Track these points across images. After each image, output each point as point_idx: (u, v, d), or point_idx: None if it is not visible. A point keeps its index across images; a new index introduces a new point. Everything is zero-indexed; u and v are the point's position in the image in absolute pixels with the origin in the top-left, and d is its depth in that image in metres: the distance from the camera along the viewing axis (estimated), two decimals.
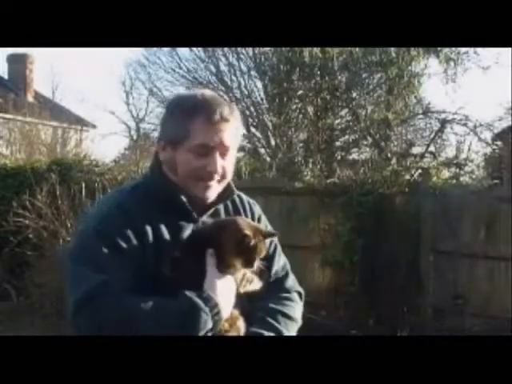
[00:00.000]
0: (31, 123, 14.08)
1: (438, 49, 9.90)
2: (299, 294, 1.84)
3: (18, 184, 8.08)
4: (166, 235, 1.63)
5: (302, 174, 8.04)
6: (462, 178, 8.39)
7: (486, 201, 6.55)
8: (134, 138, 21.50)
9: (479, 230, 6.59)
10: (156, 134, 17.27)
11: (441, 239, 6.75)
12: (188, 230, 1.66)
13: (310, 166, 8.84)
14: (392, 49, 9.72)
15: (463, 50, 10.22)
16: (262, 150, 12.29)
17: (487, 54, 10.62)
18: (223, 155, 1.64)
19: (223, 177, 1.67)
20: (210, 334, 1.53)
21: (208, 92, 1.68)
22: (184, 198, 1.65)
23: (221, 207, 1.76)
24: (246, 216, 1.80)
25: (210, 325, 1.51)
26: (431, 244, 6.76)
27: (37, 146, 12.09)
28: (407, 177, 7.62)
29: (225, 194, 1.74)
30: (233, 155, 1.68)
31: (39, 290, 7.11)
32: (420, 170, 7.91)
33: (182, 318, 1.50)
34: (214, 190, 1.67)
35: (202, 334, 1.51)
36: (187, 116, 1.61)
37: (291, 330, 1.72)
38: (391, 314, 6.53)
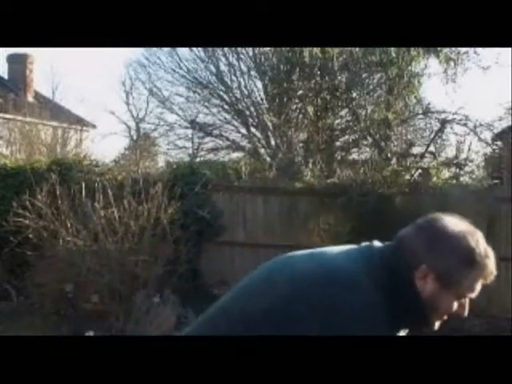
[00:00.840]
0: (31, 123, 14.09)
1: (438, 49, 9.90)
2: None
3: (18, 184, 8.08)
4: None
5: (302, 174, 8.05)
6: (462, 178, 8.40)
7: (486, 201, 6.55)
8: (134, 138, 21.51)
9: (479, 230, 6.58)
10: (156, 134, 17.30)
11: None
12: None
13: (310, 166, 8.84)
14: (392, 49, 9.71)
15: (463, 50, 10.22)
16: (262, 150, 12.29)
17: (487, 54, 10.63)
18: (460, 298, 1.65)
19: (446, 312, 1.65)
20: None
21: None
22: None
23: None
24: None
25: None
26: None
27: (37, 146, 12.10)
28: (407, 177, 7.63)
29: None
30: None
31: (39, 289, 7.11)
32: (420, 170, 7.93)
33: None
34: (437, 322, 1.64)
35: None
36: (466, 266, 1.65)
37: None
38: None
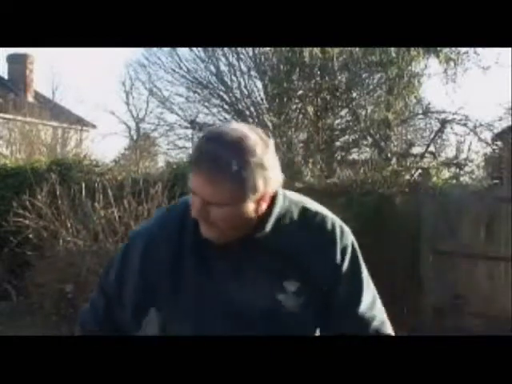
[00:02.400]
0: (31, 123, 14.10)
1: (438, 49, 9.90)
2: None
3: (18, 184, 8.08)
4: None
5: (302, 174, 8.05)
6: (462, 178, 8.41)
7: (486, 201, 6.55)
8: (134, 138, 21.51)
9: (479, 230, 6.59)
10: (156, 134, 17.31)
11: (441, 239, 6.75)
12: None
13: (310, 166, 8.84)
14: (392, 49, 9.71)
15: (463, 50, 10.22)
16: None
17: (487, 53, 10.63)
18: (208, 204, 1.48)
19: (213, 222, 1.50)
20: None
21: (213, 133, 1.51)
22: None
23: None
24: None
25: None
26: (431, 244, 6.76)
27: (37, 146, 12.10)
28: (407, 177, 7.63)
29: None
30: (233, 206, 1.48)
31: (39, 290, 7.11)
32: (420, 170, 7.93)
33: None
34: (210, 233, 1.52)
35: None
36: (191, 158, 1.55)
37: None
38: (391, 314, 6.53)
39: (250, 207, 1.50)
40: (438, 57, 10.20)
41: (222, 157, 1.44)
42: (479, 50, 10.20)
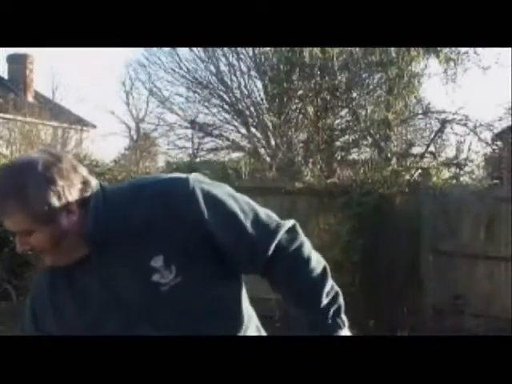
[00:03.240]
0: (31, 123, 14.09)
1: (438, 49, 9.90)
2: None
3: None
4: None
5: (302, 173, 8.04)
6: (462, 178, 8.40)
7: (486, 201, 6.55)
8: (134, 138, 21.50)
9: (479, 230, 6.59)
10: (156, 134, 17.31)
11: (441, 239, 6.75)
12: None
13: (310, 166, 8.84)
14: (392, 49, 9.71)
15: (463, 50, 10.22)
16: (262, 150, 12.29)
17: (487, 53, 10.62)
18: (27, 234, 1.54)
19: (40, 249, 1.55)
20: None
21: None
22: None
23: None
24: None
25: None
26: (431, 244, 6.76)
27: (37, 146, 12.09)
28: (407, 177, 7.62)
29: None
30: (44, 228, 1.51)
31: None
32: (420, 170, 7.92)
33: None
34: (49, 259, 1.58)
35: None
36: None
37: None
38: (391, 314, 6.54)
39: (62, 223, 1.51)
40: (438, 57, 10.20)
41: (8, 192, 1.48)
42: (479, 50, 10.20)
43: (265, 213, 1.62)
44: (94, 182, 1.57)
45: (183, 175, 1.58)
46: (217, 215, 1.53)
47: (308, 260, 1.62)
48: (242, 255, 1.58)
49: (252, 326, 1.67)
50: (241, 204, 1.60)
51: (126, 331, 1.55)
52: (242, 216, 1.57)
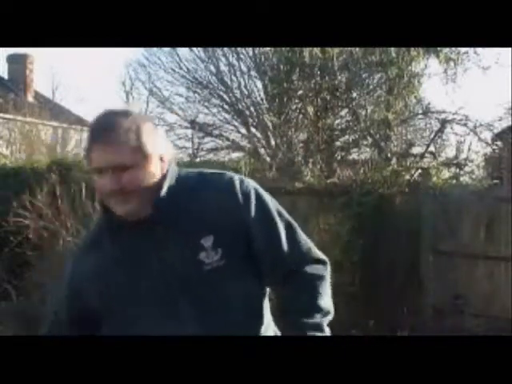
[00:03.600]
0: (31, 123, 14.09)
1: (438, 49, 9.90)
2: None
3: (18, 184, 8.07)
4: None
5: (302, 173, 8.04)
6: (462, 178, 8.40)
7: (486, 201, 6.55)
8: None
9: (479, 230, 6.59)
10: None
11: (441, 239, 6.75)
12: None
13: (310, 166, 8.83)
14: (392, 49, 9.71)
15: (463, 50, 10.22)
16: (262, 150, 12.28)
17: (487, 53, 10.62)
18: (121, 172, 1.62)
19: (130, 189, 1.63)
20: None
21: (100, 115, 1.69)
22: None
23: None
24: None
25: None
26: (431, 244, 6.76)
27: (37, 146, 12.10)
28: (407, 177, 7.63)
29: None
30: (139, 167, 1.64)
31: (39, 289, 7.10)
32: (420, 170, 7.92)
33: None
34: (128, 205, 1.64)
35: None
36: (87, 142, 1.68)
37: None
38: (391, 314, 6.53)
39: (153, 167, 1.65)
40: (438, 57, 10.20)
41: (119, 124, 1.62)
42: (479, 50, 10.20)
43: (304, 235, 1.79)
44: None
45: (242, 176, 1.78)
46: (260, 218, 1.70)
47: (322, 295, 1.71)
48: (268, 260, 1.70)
49: (270, 330, 1.75)
50: (286, 218, 1.77)
51: (166, 300, 1.63)
52: (281, 226, 1.74)
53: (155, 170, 1.66)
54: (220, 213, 1.67)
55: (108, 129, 1.62)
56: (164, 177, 1.68)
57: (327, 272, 1.75)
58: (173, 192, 1.68)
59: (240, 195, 1.69)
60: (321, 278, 1.72)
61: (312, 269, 1.72)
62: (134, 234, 1.67)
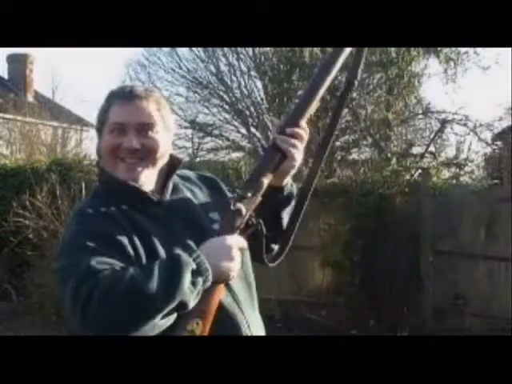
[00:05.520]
0: (31, 123, 14.10)
1: (438, 49, 9.90)
2: None
3: (18, 184, 8.08)
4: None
5: (302, 173, 8.03)
6: (462, 178, 8.40)
7: (486, 201, 6.55)
8: None
9: (479, 230, 6.59)
10: None
11: (441, 239, 6.75)
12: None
13: (310, 165, 8.82)
14: (392, 49, 9.71)
15: (463, 50, 10.22)
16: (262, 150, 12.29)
17: (487, 53, 10.62)
18: (143, 132, 1.60)
19: (146, 153, 1.60)
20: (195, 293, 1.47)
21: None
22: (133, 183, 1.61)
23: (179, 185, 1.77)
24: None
25: (192, 278, 1.45)
26: (431, 244, 6.76)
27: (37, 146, 12.10)
28: (407, 177, 7.63)
29: (169, 171, 1.73)
30: (161, 134, 1.63)
31: (39, 289, 7.11)
32: (420, 170, 7.92)
33: (166, 271, 1.45)
34: (140, 171, 1.60)
35: (189, 292, 1.45)
36: (106, 102, 1.67)
37: None
38: (391, 314, 6.54)
39: (169, 144, 1.69)
40: (438, 57, 10.20)
41: (144, 90, 1.65)
42: (479, 50, 10.20)
43: None
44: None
45: None
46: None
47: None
48: None
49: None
50: None
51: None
52: None
53: (170, 148, 1.68)
54: (212, 197, 1.79)
55: (133, 90, 1.62)
56: (175, 161, 1.73)
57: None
58: (180, 174, 1.79)
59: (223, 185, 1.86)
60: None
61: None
62: (141, 211, 1.60)
